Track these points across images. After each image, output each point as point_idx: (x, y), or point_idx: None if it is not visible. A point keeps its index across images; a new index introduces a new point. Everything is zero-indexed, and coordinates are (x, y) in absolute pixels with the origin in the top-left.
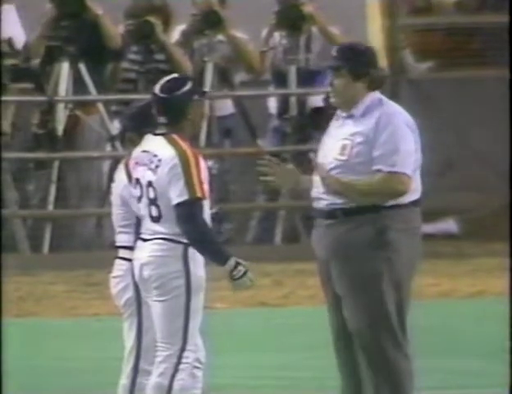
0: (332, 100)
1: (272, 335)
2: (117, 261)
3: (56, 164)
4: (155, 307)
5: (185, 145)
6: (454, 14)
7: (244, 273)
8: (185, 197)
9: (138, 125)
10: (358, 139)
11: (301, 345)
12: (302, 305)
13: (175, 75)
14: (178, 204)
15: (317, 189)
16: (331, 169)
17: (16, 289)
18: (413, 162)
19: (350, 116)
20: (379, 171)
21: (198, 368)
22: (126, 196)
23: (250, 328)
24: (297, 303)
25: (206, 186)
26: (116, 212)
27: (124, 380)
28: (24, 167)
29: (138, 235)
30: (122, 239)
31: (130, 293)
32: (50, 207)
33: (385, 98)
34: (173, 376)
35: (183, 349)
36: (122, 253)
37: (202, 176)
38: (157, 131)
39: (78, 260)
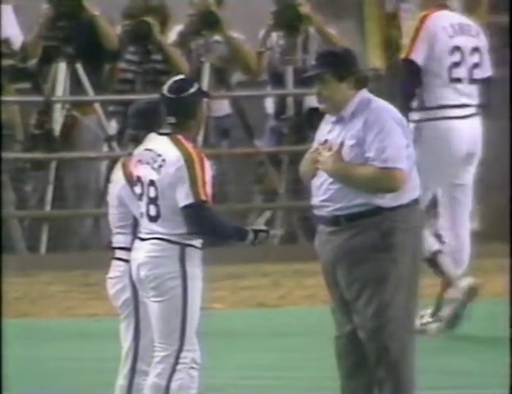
0: (322, 107)
1: (269, 335)
2: (114, 262)
3: (53, 164)
4: (152, 307)
5: (189, 146)
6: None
7: (267, 237)
8: (190, 200)
9: (147, 124)
10: (350, 142)
11: (299, 346)
12: (299, 306)
13: (181, 76)
14: (184, 207)
15: (317, 197)
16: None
17: (12, 289)
18: (405, 155)
19: (340, 120)
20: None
21: (193, 368)
22: (123, 197)
23: (248, 329)
24: (295, 303)
25: (210, 187)
26: (113, 212)
27: (121, 381)
28: (21, 167)
29: (134, 236)
30: (119, 240)
31: (127, 294)
32: (47, 207)
33: (373, 97)
34: (170, 376)
35: (180, 349)
36: (119, 254)
37: (206, 178)
38: (162, 131)
39: (75, 260)
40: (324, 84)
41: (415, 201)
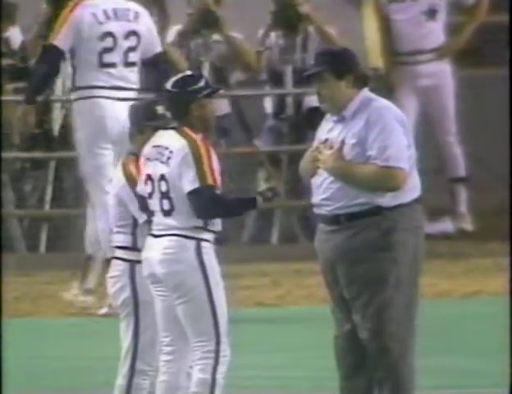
0: (322, 106)
1: (268, 335)
2: (114, 261)
3: (52, 164)
4: (179, 309)
5: (195, 136)
6: (452, 13)
7: (273, 194)
8: (196, 185)
9: (139, 121)
10: (352, 140)
11: (298, 345)
12: (299, 305)
13: (188, 71)
14: (190, 192)
15: (317, 196)
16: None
17: (12, 289)
18: (407, 155)
19: (341, 119)
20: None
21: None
22: (123, 196)
23: (247, 328)
24: (294, 303)
25: (218, 175)
26: (113, 212)
27: (120, 380)
28: (20, 166)
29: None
30: (119, 239)
31: (126, 293)
32: (47, 207)
33: (374, 96)
34: (215, 369)
35: (219, 341)
36: (118, 253)
37: (214, 165)
38: (168, 126)
39: (74, 260)
40: (323, 83)
41: (416, 200)
